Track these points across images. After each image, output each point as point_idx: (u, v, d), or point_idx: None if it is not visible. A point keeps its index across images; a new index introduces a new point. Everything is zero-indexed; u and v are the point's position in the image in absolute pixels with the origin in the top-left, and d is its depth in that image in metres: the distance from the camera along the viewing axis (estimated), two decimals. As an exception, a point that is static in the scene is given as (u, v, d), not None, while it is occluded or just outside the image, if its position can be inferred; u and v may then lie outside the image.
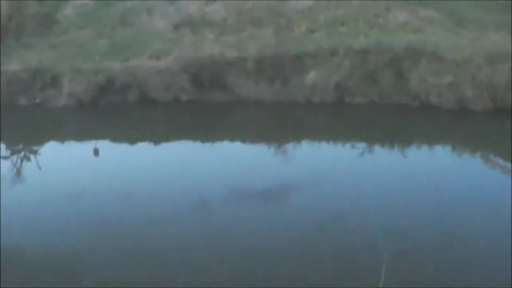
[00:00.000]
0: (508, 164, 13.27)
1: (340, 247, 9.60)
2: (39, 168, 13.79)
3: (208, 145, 15.41)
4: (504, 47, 17.15)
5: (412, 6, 20.56)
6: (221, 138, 15.85)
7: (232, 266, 8.96)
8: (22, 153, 14.89)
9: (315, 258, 9.21)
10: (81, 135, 16.50)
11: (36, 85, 18.38)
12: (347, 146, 15.06)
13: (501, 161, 13.51)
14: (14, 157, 14.62)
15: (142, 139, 15.88)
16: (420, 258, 9.14)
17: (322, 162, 13.91)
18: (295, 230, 10.15)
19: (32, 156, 14.65)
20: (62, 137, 16.29)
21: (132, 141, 15.76)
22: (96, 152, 14.66)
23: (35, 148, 15.31)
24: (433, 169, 13.31)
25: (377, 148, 14.91)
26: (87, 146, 15.25)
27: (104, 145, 15.27)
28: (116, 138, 16.08)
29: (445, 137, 15.73)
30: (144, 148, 15.34)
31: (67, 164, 13.99)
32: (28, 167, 13.90)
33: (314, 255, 9.28)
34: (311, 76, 17.89)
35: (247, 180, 12.59)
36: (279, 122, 17.54)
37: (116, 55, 18.98)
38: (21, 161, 14.34)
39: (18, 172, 13.63)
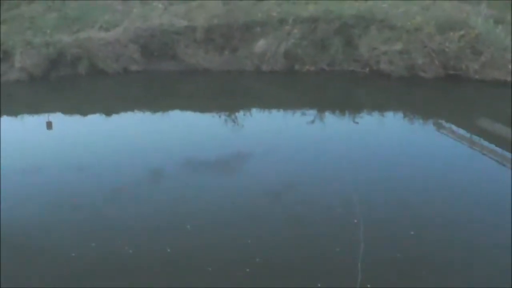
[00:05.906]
0: (461, 131, 13.50)
1: (296, 215, 9.61)
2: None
3: (158, 115, 15.54)
4: (456, 14, 17.49)
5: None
6: (171, 108, 15.96)
7: (186, 235, 9.07)
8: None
9: (269, 226, 9.29)
10: (33, 109, 16.53)
11: (-12, 60, 18.33)
12: (298, 114, 15.13)
13: (453, 128, 13.77)
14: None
15: (94, 111, 15.98)
16: (377, 223, 9.18)
17: (273, 130, 13.95)
18: (249, 198, 10.25)
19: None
20: (15, 112, 16.21)
21: (84, 113, 15.85)
22: (49, 125, 14.72)
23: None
24: (384, 136, 13.56)
25: (327, 115, 15.04)
26: (40, 120, 15.31)
27: (57, 118, 15.33)
28: (68, 110, 16.13)
29: (396, 104, 16.01)
30: (96, 120, 15.45)
31: (21, 138, 14.00)
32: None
33: (268, 223, 9.37)
34: (260, 44, 18.08)
35: (198, 150, 12.66)
36: (229, 91, 17.69)
37: (66, 28, 18.93)
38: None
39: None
